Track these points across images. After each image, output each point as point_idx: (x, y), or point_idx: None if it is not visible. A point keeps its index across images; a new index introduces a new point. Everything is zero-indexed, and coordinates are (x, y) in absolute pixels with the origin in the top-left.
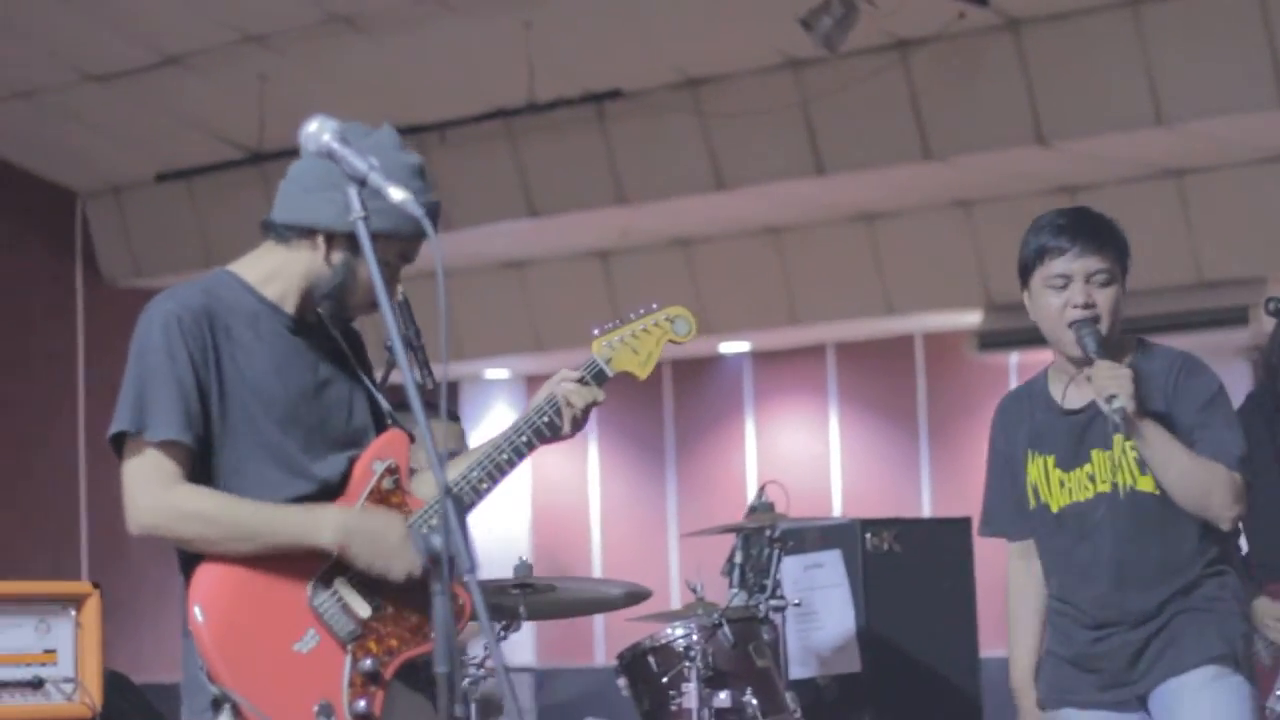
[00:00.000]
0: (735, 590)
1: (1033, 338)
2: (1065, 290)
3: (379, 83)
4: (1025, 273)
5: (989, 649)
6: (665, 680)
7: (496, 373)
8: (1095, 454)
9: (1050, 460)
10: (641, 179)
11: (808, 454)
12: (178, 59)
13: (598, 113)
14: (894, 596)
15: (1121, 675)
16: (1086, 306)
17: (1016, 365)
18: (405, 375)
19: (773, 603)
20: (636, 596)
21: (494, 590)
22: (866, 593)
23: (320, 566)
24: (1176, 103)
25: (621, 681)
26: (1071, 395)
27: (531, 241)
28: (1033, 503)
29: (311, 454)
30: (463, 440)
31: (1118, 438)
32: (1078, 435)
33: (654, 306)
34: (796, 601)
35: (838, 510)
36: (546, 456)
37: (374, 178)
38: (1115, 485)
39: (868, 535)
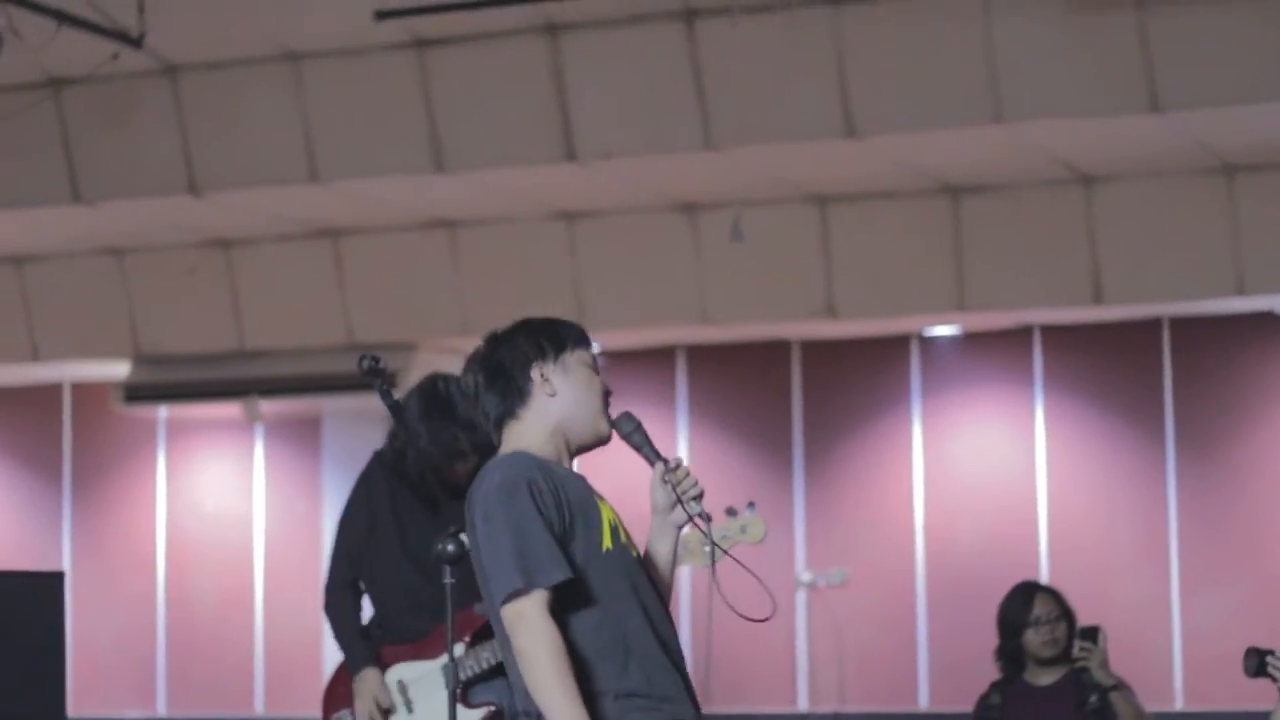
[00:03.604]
0: None
1: (180, 392)
2: (597, 376)
3: None
4: (558, 348)
5: (81, 708)
6: None
7: None
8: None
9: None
10: None
11: None
12: None
13: None
14: None
15: None
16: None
17: (165, 420)
18: None
19: None
20: None
21: None
22: None
23: None
24: (330, 161)
25: None
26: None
27: None
28: (609, 543)
29: None
30: None
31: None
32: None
33: None
34: None
35: None
36: None
37: None
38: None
39: None
